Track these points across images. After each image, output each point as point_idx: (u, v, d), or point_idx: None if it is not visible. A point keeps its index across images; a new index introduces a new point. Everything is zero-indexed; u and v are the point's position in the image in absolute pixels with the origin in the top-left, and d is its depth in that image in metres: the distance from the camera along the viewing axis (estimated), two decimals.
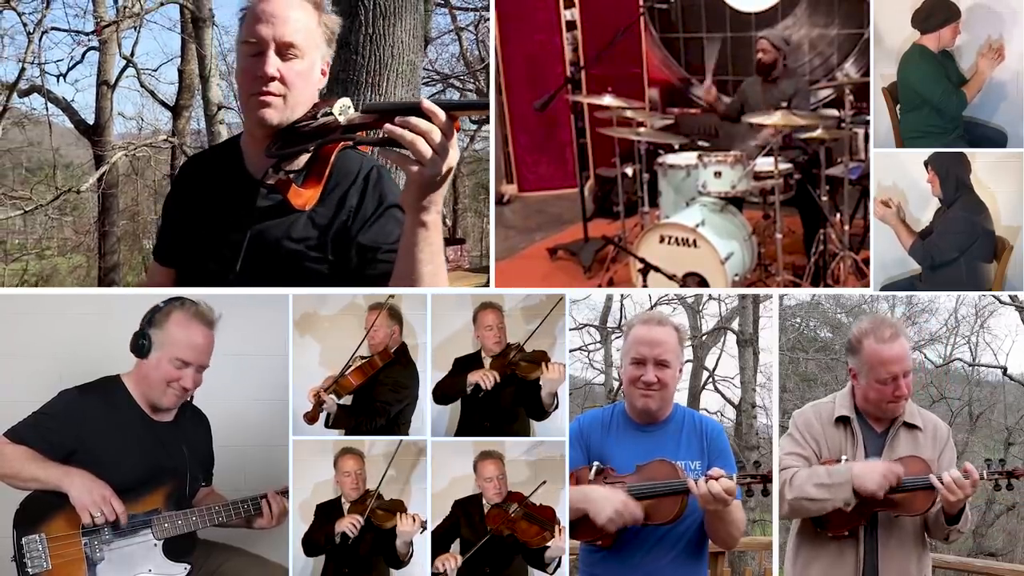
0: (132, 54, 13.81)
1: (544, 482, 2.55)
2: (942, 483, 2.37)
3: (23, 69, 11.81)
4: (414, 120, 1.74)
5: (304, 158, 2.01)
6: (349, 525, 2.55)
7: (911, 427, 2.53)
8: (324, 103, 1.99)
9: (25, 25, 11.93)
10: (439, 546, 2.57)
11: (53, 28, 12.33)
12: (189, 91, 13.17)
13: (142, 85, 14.11)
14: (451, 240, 10.95)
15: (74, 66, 13.23)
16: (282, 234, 2.09)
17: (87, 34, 12.57)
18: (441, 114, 1.76)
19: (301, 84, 2.04)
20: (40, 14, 11.82)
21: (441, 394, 2.64)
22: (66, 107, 13.48)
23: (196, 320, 2.45)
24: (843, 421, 2.55)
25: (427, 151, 1.74)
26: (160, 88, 14.36)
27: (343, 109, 1.94)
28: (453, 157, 1.79)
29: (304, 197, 2.00)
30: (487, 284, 3.40)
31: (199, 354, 2.47)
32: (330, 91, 5.36)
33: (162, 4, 12.60)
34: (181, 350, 2.44)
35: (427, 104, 1.75)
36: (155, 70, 14.71)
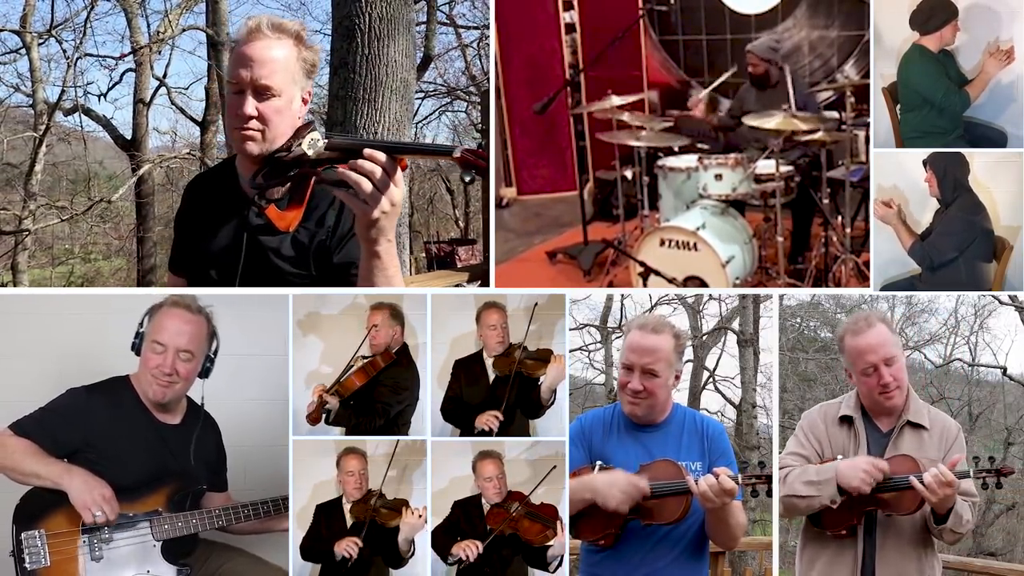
0: (164, 75, 14.80)
1: (553, 467, 2.55)
2: (922, 483, 2.35)
3: (63, 91, 13.15)
4: (359, 162, 1.94)
5: (288, 185, 2.21)
6: (347, 547, 2.55)
7: (916, 426, 2.52)
8: (300, 134, 2.15)
9: (65, 52, 12.74)
10: (440, 545, 2.57)
11: (88, 55, 13.32)
12: (215, 107, 14.11)
13: (173, 103, 14.95)
14: (463, 240, 11.15)
15: (113, 86, 14.38)
16: (272, 251, 2.29)
17: (116, 58, 13.40)
18: (381, 156, 1.95)
19: (278, 119, 2.23)
20: (78, 41, 12.55)
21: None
22: (106, 124, 14.44)
23: (178, 308, 2.49)
24: (846, 421, 2.55)
25: (368, 189, 1.92)
26: (191, 105, 15.42)
27: (312, 143, 2.10)
28: (396, 194, 1.96)
29: (287, 220, 2.20)
30: (468, 282, 3.44)
31: (175, 336, 2.48)
32: (331, 106, 5.51)
33: (184, 30, 13.34)
34: (158, 334, 2.48)
35: (367, 150, 1.95)
36: (186, 89, 15.51)
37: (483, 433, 2.59)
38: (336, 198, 2.26)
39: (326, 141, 2.09)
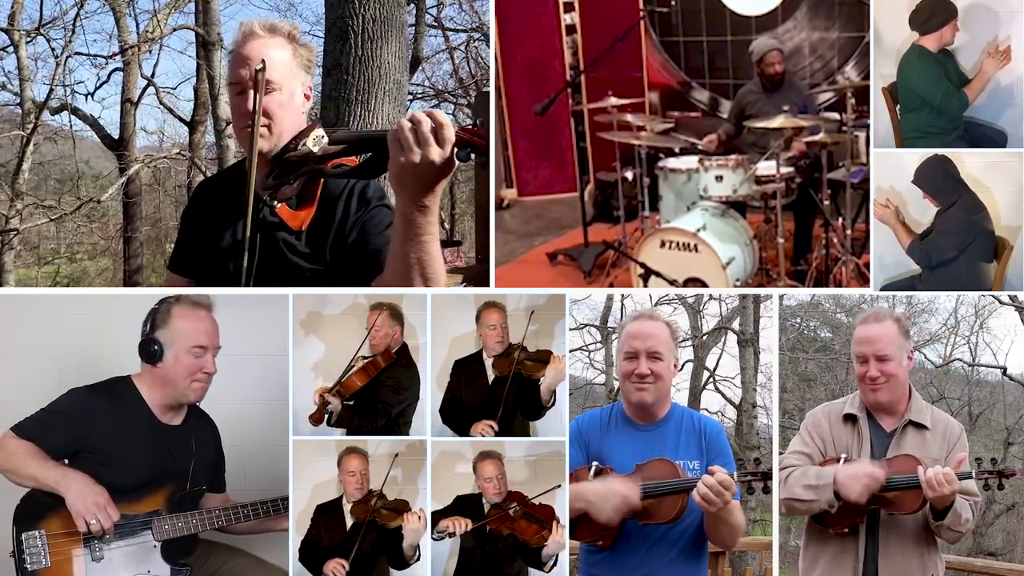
0: (152, 74, 14.89)
1: (559, 486, 2.54)
2: (925, 479, 2.37)
3: (51, 89, 13.10)
4: (411, 114, 1.89)
5: (298, 184, 2.23)
6: (334, 569, 2.55)
7: (919, 426, 2.54)
8: (305, 133, 2.18)
9: (53, 50, 12.78)
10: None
11: (77, 53, 13.35)
12: (203, 108, 14.10)
13: (161, 103, 14.96)
14: (448, 242, 11.11)
15: (101, 85, 14.43)
16: (285, 248, 2.28)
17: (106, 57, 13.45)
18: (433, 118, 1.87)
19: (282, 113, 2.28)
20: (66, 39, 12.56)
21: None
22: (93, 123, 14.47)
23: (196, 307, 2.50)
24: (850, 419, 2.56)
25: (408, 133, 1.85)
26: (178, 105, 15.51)
27: (316, 140, 2.13)
28: (433, 152, 1.86)
29: (299, 219, 2.26)
30: (463, 283, 3.45)
31: (212, 337, 2.50)
32: (324, 107, 5.51)
33: (175, 30, 13.37)
34: (197, 337, 2.48)
35: (417, 112, 1.90)
36: (174, 88, 15.48)
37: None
38: (344, 190, 2.29)
39: (328, 138, 2.12)
